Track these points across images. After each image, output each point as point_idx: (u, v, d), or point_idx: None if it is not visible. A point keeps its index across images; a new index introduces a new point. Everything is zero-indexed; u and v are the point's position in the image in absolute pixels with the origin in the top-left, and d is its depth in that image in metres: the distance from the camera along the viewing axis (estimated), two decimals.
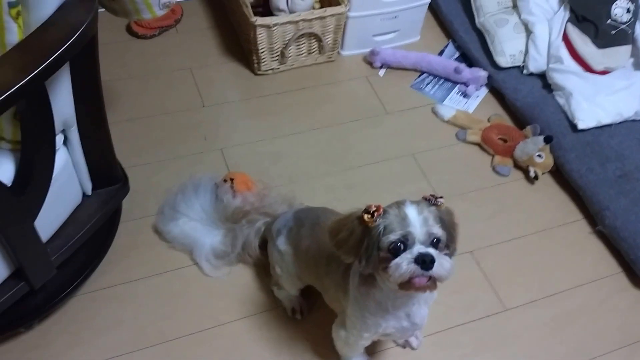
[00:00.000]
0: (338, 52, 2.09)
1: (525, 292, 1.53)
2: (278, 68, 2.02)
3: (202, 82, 1.98)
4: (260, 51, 1.93)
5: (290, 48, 1.97)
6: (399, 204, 1.00)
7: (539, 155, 1.75)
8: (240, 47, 2.09)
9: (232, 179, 1.59)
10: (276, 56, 1.98)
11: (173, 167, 1.71)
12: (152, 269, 1.49)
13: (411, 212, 0.98)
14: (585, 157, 1.73)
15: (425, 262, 0.95)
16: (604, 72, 1.91)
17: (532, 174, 1.76)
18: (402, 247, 0.97)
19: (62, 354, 1.34)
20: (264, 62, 1.97)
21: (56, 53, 0.97)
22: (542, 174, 1.77)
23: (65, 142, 1.23)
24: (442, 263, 0.97)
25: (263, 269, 1.49)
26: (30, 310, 1.32)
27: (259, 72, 2.01)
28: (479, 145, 1.87)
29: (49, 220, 1.23)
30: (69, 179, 1.26)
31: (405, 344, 1.40)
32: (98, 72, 1.19)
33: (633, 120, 1.82)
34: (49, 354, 1.33)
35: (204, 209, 1.52)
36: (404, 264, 0.96)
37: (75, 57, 1.05)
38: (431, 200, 1.01)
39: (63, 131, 1.21)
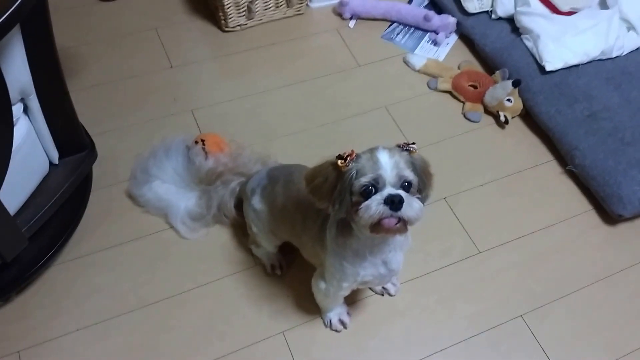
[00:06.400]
0: (307, 4, 2.05)
1: (499, 235, 1.55)
2: (246, 24, 1.98)
3: (168, 42, 1.94)
4: (227, 6, 1.89)
5: (257, 2, 1.92)
6: (372, 150, 1.02)
7: (508, 100, 1.75)
8: (206, 3, 2.04)
9: (203, 140, 1.57)
10: (243, 11, 1.93)
11: (143, 131, 1.69)
12: (128, 235, 1.49)
13: (383, 156, 1.00)
14: (553, 99, 1.74)
15: (394, 202, 0.97)
16: (570, 13, 1.90)
17: (502, 118, 1.76)
18: (373, 190, 0.99)
19: (43, 325, 1.34)
20: (230, 18, 1.93)
21: (1, 18, 0.93)
22: (512, 117, 1.78)
23: (25, 111, 1.20)
24: (411, 204, 0.99)
25: (240, 228, 1.49)
26: (7, 282, 1.31)
27: (226, 29, 1.97)
28: (450, 93, 1.86)
29: (15, 191, 1.21)
30: (33, 148, 1.24)
31: (383, 292, 1.43)
32: (52, 36, 1.15)
33: (599, 60, 1.82)
34: (29, 325, 1.33)
35: (176, 172, 1.51)
36: (373, 205, 0.98)
37: (25, 22, 1.02)
38: (403, 147, 1.03)
39: (22, 100, 1.18)
